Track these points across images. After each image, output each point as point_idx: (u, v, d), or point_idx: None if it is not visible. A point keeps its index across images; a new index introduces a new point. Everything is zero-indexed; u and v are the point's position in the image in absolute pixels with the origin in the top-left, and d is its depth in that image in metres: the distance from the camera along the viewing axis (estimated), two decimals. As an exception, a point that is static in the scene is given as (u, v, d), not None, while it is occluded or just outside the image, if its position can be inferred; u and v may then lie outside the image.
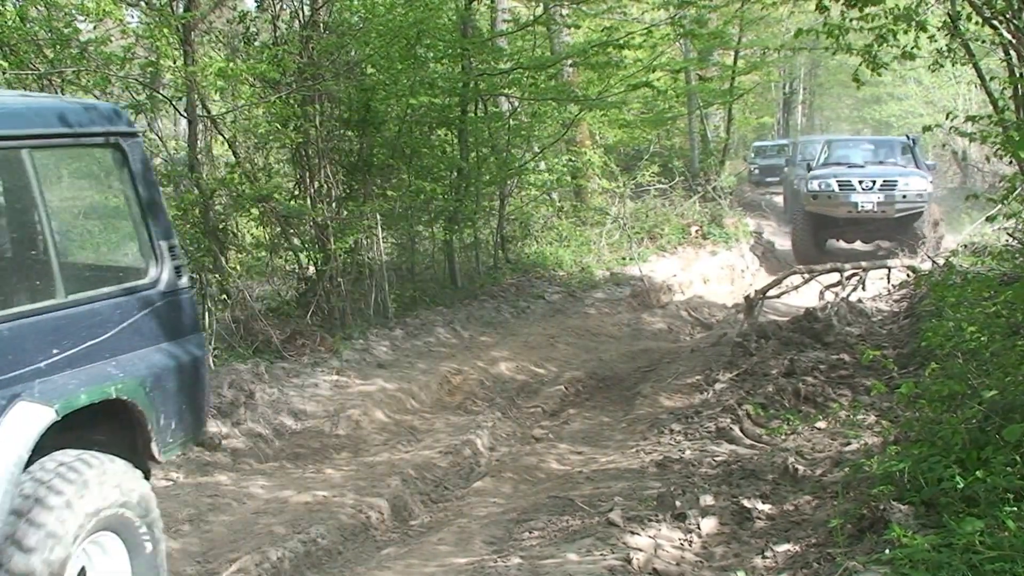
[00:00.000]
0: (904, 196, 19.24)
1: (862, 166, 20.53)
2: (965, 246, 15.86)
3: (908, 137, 21.67)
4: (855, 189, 19.51)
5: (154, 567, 4.47)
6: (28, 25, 9.46)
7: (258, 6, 13.41)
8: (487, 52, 15.43)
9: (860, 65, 9.15)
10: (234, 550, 5.88)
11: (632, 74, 16.93)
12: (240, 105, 11.70)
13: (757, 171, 34.75)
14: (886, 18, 8.45)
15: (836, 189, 19.65)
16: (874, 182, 19.49)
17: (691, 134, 26.95)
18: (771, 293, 13.42)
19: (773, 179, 33.67)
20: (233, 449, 8.13)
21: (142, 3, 11.04)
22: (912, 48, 8.77)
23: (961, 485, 4.59)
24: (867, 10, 8.43)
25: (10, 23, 9.27)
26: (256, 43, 12.44)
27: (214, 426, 8.28)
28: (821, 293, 13.55)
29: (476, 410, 9.73)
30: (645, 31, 16.68)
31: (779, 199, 30.11)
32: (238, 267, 10.98)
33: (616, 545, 5.29)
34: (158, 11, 10.54)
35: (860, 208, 19.34)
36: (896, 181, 19.46)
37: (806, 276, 13.85)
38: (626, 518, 5.70)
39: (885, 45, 8.68)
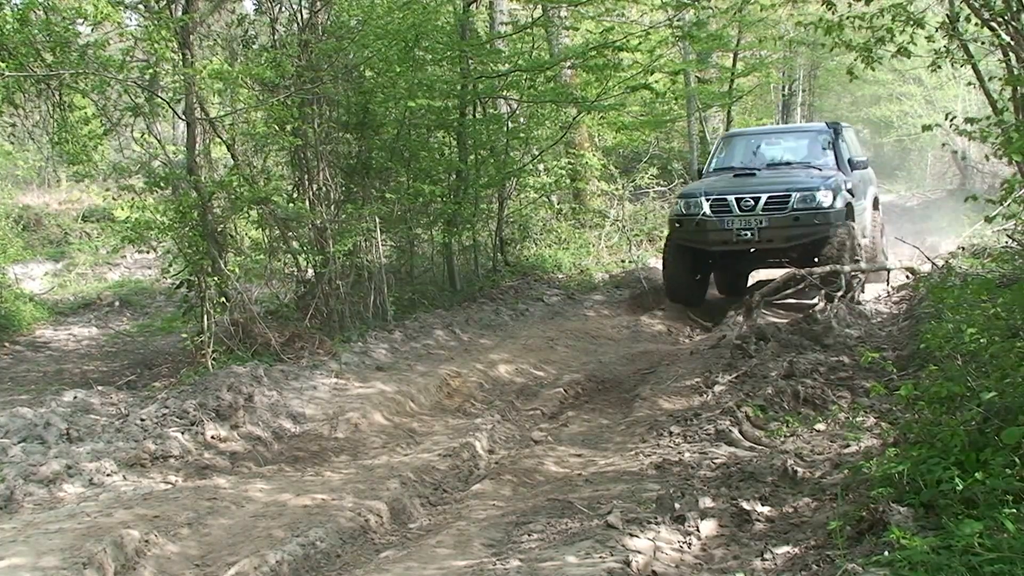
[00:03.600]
0: (797, 219, 13.72)
1: (753, 173, 14.93)
2: (964, 248, 15.83)
3: (829, 125, 16.05)
4: (731, 211, 13.97)
5: None
6: (27, 28, 9.46)
7: (256, 9, 13.41)
8: (485, 54, 15.43)
9: (855, 59, 9.18)
10: (233, 553, 5.87)
11: (631, 76, 16.90)
12: (239, 108, 11.70)
13: None
14: (884, 16, 8.47)
15: (708, 212, 14.09)
16: (756, 199, 13.87)
17: (690, 136, 26.89)
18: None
19: None
20: (232, 452, 8.12)
21: (140, 6, 11.04)
22: (908, 44, 8.79)
23: (960, 487, 4.58)
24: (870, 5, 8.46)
25: (9, 26, 9.27)
26: (255, 46, 12.45)
27: (212, 429, 8.28)
28: (821, 295, 13.50)
29: (475, 413, 9.69)
30: (643, 33, 16.67)
31: None
32: (237, 270, 10.97)
33: (615, 547, 5.27)
34: (156, 14, 10.55)
35: (737, 237, 13.94)
36: (788, 196, 13.81)
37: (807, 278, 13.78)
38: (625, 520, 5.67)
39: (881, 44, 8.70)
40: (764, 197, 13.83)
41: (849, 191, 14.37)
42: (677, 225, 14.57)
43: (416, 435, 8.89)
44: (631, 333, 13.97)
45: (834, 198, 13.85)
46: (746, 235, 13.84)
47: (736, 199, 13.94)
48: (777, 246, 14.21)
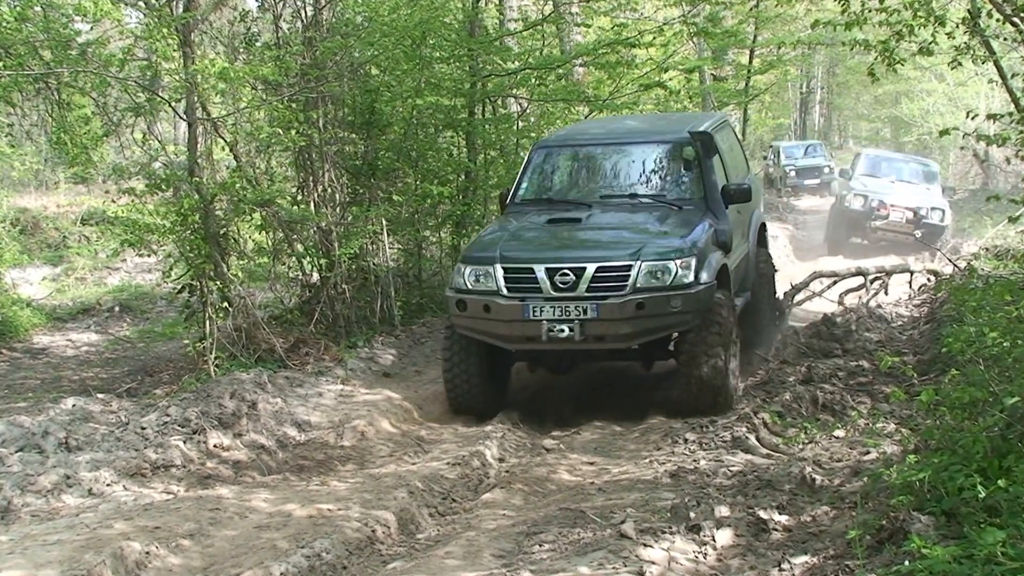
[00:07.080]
0: (642, 306, 8.68)
1: (578, 219, 9.70)
2: (987, 249, 15.76)
3: (692, 135, 10.12)
4: (539, 289, 8.84)
5: None
6: (26, 26, 9.40)
7: (259, 6, 13.34)
8: (495, 52, 15.34)
9: (875, 59, 9.09)
10: (236, 565, 5.79)
11: (644, 74, 16.85)
12: (242, 108, 11.60)
13: (794, 173, 34.43)
14: (905, 10, 8.39)
15: (503, 288, 8.94)
16: (580, 272, 8.72)
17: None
18: (798, 298, 13.40)
19: (812, 181, 33.50)
20: (235, 461, 8.06)
21: (140, 3, 10.99)
22: (930, 44, 8.70)
23: (982, 495, 4.52)
24: (887, 2, 8.38)
25: (8, 24, 9.21)
26: (258, 44, 12.36)
27: (215, 437, 8.19)
28: (841, 298, 13.47)
29: (484, 420, 9.60)
30: (657, 30, 16.59)
31: (807, 203, 30.16)
32: (240, 274, 10.92)
33: (629, 558, 5.20)
34: (157, 12, 10.47)
35: (549, 335, 8.77)
36: (628, 268, 8.74)
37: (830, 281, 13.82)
38: (639, 530, 5.60)
39: (903, 41, 8.61)
40: (591, 269, 8.75)
41: (723, 244, 9.56)
42: (458, 308, 9.30)
43: (424, 443, 8.84)
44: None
45: (699, 267, 8.90)
46: (563, 331, 8.76)
47: (548, 270, 8.82)
48: (612, 346, 9.21)
